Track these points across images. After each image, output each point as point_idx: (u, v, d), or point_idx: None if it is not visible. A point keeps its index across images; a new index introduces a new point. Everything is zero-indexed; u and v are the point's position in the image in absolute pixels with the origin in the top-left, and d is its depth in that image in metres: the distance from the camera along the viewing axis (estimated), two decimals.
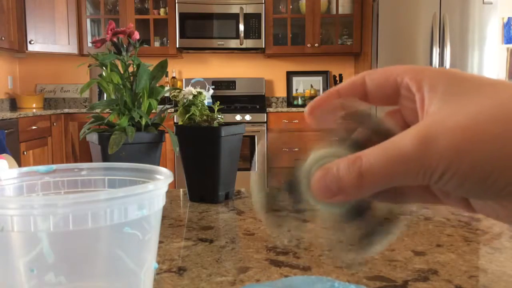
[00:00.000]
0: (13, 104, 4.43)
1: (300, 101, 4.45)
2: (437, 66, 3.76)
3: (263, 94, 4.58)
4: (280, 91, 4.74)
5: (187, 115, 0.93)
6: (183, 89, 0.95)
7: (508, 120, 0.22)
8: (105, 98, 1.19)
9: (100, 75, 0.89)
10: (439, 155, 0.22)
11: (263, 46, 4.28)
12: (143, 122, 0.89)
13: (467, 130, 0.22)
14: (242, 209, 0.86)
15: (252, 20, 4.23)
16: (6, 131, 3.03)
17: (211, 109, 0.96)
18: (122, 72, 0.89)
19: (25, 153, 3.44)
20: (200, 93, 0.94)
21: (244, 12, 4.21)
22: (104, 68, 0.88)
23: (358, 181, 0.25)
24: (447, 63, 3.76)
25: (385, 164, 0.24)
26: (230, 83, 4.57)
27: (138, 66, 0.88)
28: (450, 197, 0.28)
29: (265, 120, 4.04)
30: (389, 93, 0.28)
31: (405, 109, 0.28)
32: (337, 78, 4.49)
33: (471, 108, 0.23)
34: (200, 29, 4.24)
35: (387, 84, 0.28)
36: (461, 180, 0.23)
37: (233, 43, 4.26)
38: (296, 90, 4.64)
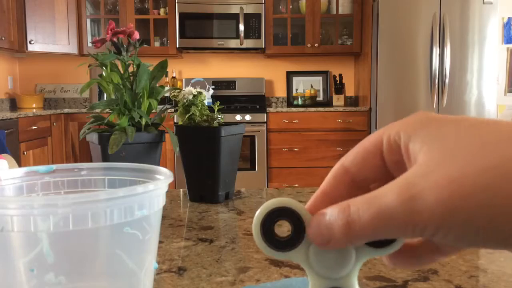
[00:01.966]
0: (13, 104, 4.43)
1: (300, 101, 4.45)
2: (437, 66, 3.77)
3: (263, 94, 4.58)
4: (280, 91, 4.74)
5: (187, 115, 0.93)
6: (183, 89, 0.95)
7: (496, 166, 0.21)
8: (105, 98, 1.19)
9: (100, 75, 0.89)
10: (428, 212, 0.22)
11: (263, 46, 4.28)
12: (143, 122, 0.89)
13: (454, 184, 0.21)
14: (242, 209, 0.86)
15: (252, 20, 4.23)
16: (6, 131, 3.03)
17: (211, 109, 0.96)
18: (122, 72, 0.89)
19: (25, 153, 3.44)
20: (200, 93, 0.94)
21: (244, 12, 4.21)
22: (104, 68, 0.88)
23: (345, 230, 0.24)
24: (447, 63, 3.77)
25: (371, 218, 0.23)
26: (230, 83, 4.57)
27: (138, 66, 0.88)
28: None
29: (265, 120, 4.04)
30: (374, 163, 0.27)
31: (393, 165, 0.27)
32: (337, 78, 4.49)
33: (456, 156, 0.22)
34: (200, 29, 4.24)
35: (366, 155, 0.27)
36: (460, 234, 0.22)
37: (233, 43, 4.26)
38: (296, 90, 4.64)
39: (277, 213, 0.27)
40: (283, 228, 0.30)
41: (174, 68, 4.61)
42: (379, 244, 0.27)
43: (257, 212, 0.27)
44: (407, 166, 0.25)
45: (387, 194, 0.23)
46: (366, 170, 0.27)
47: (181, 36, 4.23)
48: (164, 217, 0.79)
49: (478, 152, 0.22)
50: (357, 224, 0.24)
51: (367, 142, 0.27)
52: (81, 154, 4.07)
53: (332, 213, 0.25)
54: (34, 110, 3.90)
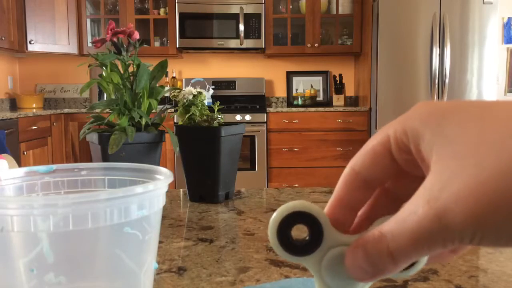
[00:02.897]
0: (13, 104, 4.43)
1: (300, 101, 4.45)
2: (437, 66, 3.77)
3: (263, 94, 4.58)
4: (280, 91, 4.74)
5: (187, 115, 0.93)
6: (183, 89, 0.95)
7: (510, 167, 0.21)
8: (105, 98, 1.19)
9: (100, 75, 0.89)
10: (460, 226, 0.22)
11: (263, 46, 4.28)
12: (143, 122, 0.89)
13: (476, 193, 0.21)
14: (242, 209, 0.86)
15: (252, 20, 4.23)
16: (6, 131, 3.03)
17: (211, 109, 0.96)
18: (122, 72, 0.89)
19: (25, 153, 3.44)
20: (200, 93, 0.94)
21: (244, 12, 4.21)
22: (104, 68, 0.88)
23: (392, 261, 0.24)
24: (447, 63, 3.77)
25: (410, 240, 0.23)
26: (230, 83, 4.57)
27: (138, 66, 0.88)
28: None
29: (265, 120, 4.04)
30: (385, 163, 0.26)
31: (404, 163, 0.26)
32: (337, 78, 4.49)
33: (470, 161, 0.22)
34: (200, 29, 4.24)
35: (375, 156, 0.26)
36: (496, 237, 0.22)
37: (233, 43, 4.26)
38: (296, 90, 4.64)
39: (295, 217, 0.26)
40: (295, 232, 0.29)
41: (174, 68, 4.61)
42: None
43: (274, 215, 0.27)
44: (422, 167, 0.25)
45: (414, 215, 0.23)
46: (377, 172, 0.26)
47: (181, 36, 4.23)
48: (164, 217, 0.79)
49: (488, 152, 0.21)
50: (399, 251, 0.24)
51: (374, 142, 0.26)
52: (81, 154, 4.07)
53: (369, 248, 0.25)
54: (34, 110, 3.90)
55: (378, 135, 0.26)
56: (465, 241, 0.22)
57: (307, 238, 0.27)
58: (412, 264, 0.27)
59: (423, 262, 0.27)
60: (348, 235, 0.27)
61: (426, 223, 0.22)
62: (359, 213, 0.29)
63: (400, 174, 0.27)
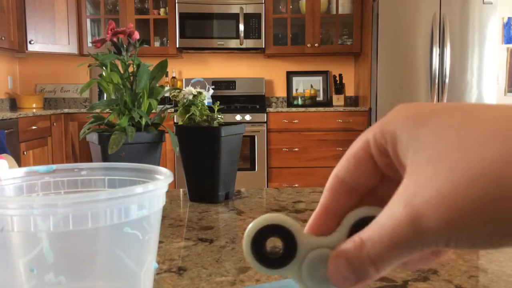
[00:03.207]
0: (13, 104, 4.43)
1: (300, 101, 4.45)
2: (437, 66, 3.77)
3: (263, 94, 4.58)
4: (280, 91, 4.74)
5: (187, 115, 0.93)
6: (183, 89, 0.95)
7: (482, 174, 0.21)
8: (105, 98, 1.19)
9: (100, 75, 0.89)
10: (434, 231, 0.22)
11: (263, 46, 4.28)
12: (143, 122, 0.89)
13: (447, 200, 0.21)
14: (242, 209, 0.86)
15: (252, 20, 4.23)
16: (6, 131, 3.03)
17: (211, 109, 0.96)
18: (122, 72, 0.89)
19: (25, 153, 3.44)
20: (200, 93, 0.94)
21: (244, 12, 4.21)
22: (104, 68, 0.88)
23: (374, 267, 0.24)
24: (447, 63, 3.76)
25: (389, 246, 0.23)
26: (230, 83, 4.57)
27: (138, 66, 0.88)
28: None
29: (265, 120, 4.04)
30: (368, 169, 0.26)
31: (385, 167, 0.26)
32: (337, 78, 4.49)
33: (441, 165, 0.22)
34: (200, 29, 4.25)
35: (358, 162, 0.26)
36: (470, 242, 0.22)
37: (233, 43, 4.26)
38: (296, 90, 4.64)
39: (268, 230, 0.27)
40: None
41: (174, 68, 4.61)
42: None
43: (248, 229, 0.27)
44: (400, 170, 0.25)
45: (391, 220, 0.23)
46: (361, 178, 0.27)
47: (181, 36, 4.23)
48: (164, 217, 0.79)
49: (461, 158, 0.22)
50: (380, 258, 0.24)
51: (356, 147, 0.26)
52: (81, 154, 4.07)
53: (350, 256, 0.25)
54: (34, 110, 3.90)
55: (359, 140, 0.26)
56: (441, 245, 0.22)
57: (282, 251, 0.27)
58: None
59: None
60: (322, 237, 0.27)
61: (403, 228, 0.23)
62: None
63: (384, 178, 0.27)
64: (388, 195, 0.26)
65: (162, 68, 0.91)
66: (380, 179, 0.27)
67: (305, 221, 0.77)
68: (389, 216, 0.23)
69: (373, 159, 0.26)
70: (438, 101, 3.82)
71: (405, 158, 0.24)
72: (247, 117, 4.00)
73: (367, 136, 0.26)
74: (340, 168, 0.27)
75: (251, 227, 0.27)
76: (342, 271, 0.25)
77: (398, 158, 0.24)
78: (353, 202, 0.28)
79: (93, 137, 0.85)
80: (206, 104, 0.96)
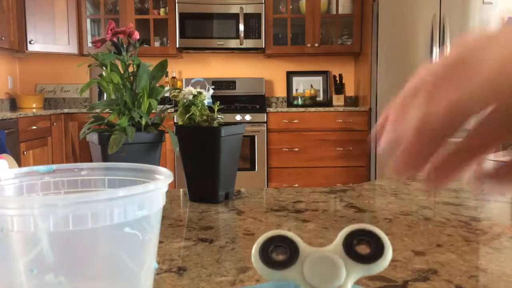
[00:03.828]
0: (13, 104, 4.43)
1: (300, 101, 4.45)
2: None
3: (263, 94, 4.58)
4: (280, 91, 4.74)
5: (187, 115, 0.93)
6: (183, 89, 0.95)
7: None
8: (105, 98, 1.19)
9: (100, 75, 0.89)
10: (487, 69, 0.25)
11: (263, 46, 4.28)
12: (143, 122, 0.89)
13: (505, 49, 0.25)
14: (242, 209, 0.86)
15: (252, 20, 4.23)
16: (6, 131, 3.03)
17: (211, 109, 0.96)
18: (122, 72, 0.89)
19: (25, 153, 3.44)
20: (200, 93, 0.94)
21: (244, 12, 4.21)
22: (104, 68, 0.88)
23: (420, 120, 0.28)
24: None
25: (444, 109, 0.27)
26: (230, 83, 4.57)
27: (138, 66, 0.88)
28: None
29: (265, 120, 4.04)
30: None
31: None
32: (337, 78, 4.49)
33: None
34: (200, 29, 4.24)
35: None
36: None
37: (233, 43, 4.26)
38: (296, 90, 4.64)
39: (274, 240, 0.31)
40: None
41: (174, 68, 4.61)
42: (366, 259, 0.30)
43: (257, 241, 0.31)
44: None
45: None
46: None
47: (181, 36, 4.23)
48: (164, 217, 0.79)
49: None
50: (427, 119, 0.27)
51: None
52: (81, 154, 4.07)
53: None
54: (34, 110, 3.90)
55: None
56: (486, 96, 0.25)
57: (286, 255, 0.31)
58: (379, 257, 0.30)
59: (385, 261, 0.30)
60: (322, 248, 0.31)
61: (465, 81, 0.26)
62: None
63: None
64: None
65: (162, 68, 0.91)
66: None
67: (305, 221, 0.77)
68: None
69: None
70: None
71: None
72: (247, 117, 4.00)
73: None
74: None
75: (260, 238, 0.31)
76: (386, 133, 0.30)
77: None
78: None
79: (93, 137, 0.85)
80: (206, 104, 0.96)
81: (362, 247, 0.30)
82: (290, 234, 0.31)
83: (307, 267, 0.30)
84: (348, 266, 0.30)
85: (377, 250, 0.30)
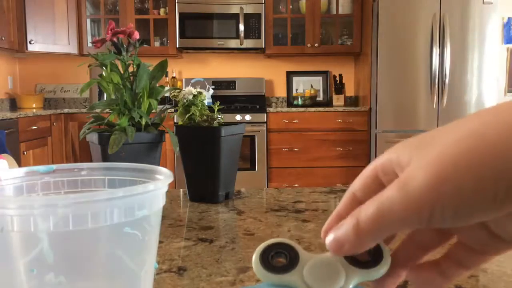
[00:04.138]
0: (13, 104, 4.43)
1: (300, 101, 4.45)
2: (437, 66, 3.77)
3: (263, 94, 4.58)
4: (280, 91, 4.74)
5: (187, 115, 0.93)
6: (183, 89, 0.95)
7: (468, 135, 0.24)
8: (105, 98, 1.19)
9: (100, 75, 0.89)
10: (420, 188, 0.24)
11: (263, 46, 4.28)
12: (143, 122, 0.89)
13: (439, 159, 0.24)
14: (242, 209, 0.86)
15: (252, 20, 4.23)
16: (6, 131, 3.03)
17: (211, 109, 0.96)
18: (122, 72, 0.89)
19: (25, 153, 3.44)
20: (200, 93, 0.94)
21: (244, 12, 4.21)
22: (104, 68, 0.88)
23: (355, 231, 0.28)
24: (447, 63, 3.77)
25: (374, 213, 0.27)
26: (230, 83, 4.57)
27: (138, 66, 0.88)
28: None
29: (265, 120, 4.04)
30: (375, 187, 0.30)
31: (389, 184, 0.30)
32: (337, 78, 4.49)
33: (435, 146, 0.25)
34: (200, 29, 4.24)
35: (368, 180, 0.31)
36: (454, 205, 0.24)
37: (233, 43, 4.26)
38: (296, 90, 4.64)
39: (274, 246, 0.32)
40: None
41: (174, 68, 4.61)
42: (365, 264, 0.30)
43: (257, 248, 0.32)
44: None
45: (386, 190, 0.27)
46: (370, 194, 0.30)
47: (181, 36, 4.23)
48: (164, 217, 0.79)
49: (454, 140, 0.25)
50: (364, 222, 0.27)
51: (367, 169, 0.31)
52: (81, 154, 4.07)
53: (345, 220, 0.29)
54: (34, 110, 3.90)
55: (370, 165, 0.31)
56: (424, 213, 0.25)
57: (286, 260, 0.32)
58: (378, 263, 0.30)
59: (384, 266, 0.30)
60: (321, 253, 0.32)
61: (392, 193, 0.26)
62: None
63: None
64: None
65: (162, 68, 0.91)
66: None
67: (305, 221, 0.77)
68: (386, 188, 0.27)
69: (380, 179, 0.30)
70: (438, 101, 3.82)
71: (408, 161, 0.27)
72: (247, 117, 4.00)
73: (375, 162, 0.30)
74: (354, 185, 0.32)
75: (260, 245, 0.32)
76: (335, 234, 0.29)
77: (401, 165, 0.28)
78: None
79: (93, 137, 0.85)
80: (206, 104, 0.96)
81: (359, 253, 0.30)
82: (290, 241, 0.32)
83: (307, 271, 0.30)
84: (348, 271, 0.30)
85: (376, 255, 0.30)
